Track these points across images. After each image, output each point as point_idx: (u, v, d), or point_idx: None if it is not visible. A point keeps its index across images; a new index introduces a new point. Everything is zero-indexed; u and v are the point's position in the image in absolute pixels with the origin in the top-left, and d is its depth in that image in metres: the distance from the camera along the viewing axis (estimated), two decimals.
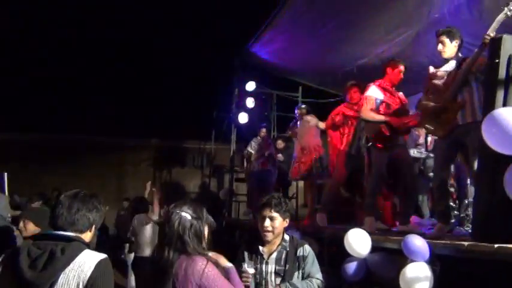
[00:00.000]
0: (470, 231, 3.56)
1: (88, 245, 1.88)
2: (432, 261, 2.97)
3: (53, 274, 1.71)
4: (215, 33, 12.54)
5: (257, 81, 8.73)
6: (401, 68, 4.55)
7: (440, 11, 5.18)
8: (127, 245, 7.09)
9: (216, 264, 2.11)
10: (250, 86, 8.66)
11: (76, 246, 1.80)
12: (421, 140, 5.72)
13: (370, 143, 4.50)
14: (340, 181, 5.48)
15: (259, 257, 2.75)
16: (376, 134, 4.37)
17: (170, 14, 13.15)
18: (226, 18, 11.94)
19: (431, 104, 3.69)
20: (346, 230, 3.60)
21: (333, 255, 4.17)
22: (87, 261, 1.77)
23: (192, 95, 12.82)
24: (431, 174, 5.06)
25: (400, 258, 3.11)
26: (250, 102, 8.72)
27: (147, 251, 5.44)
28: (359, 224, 4.26)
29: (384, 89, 4.51)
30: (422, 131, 5.42)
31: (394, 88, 4.60)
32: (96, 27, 12.55)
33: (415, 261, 2.96)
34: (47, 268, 1.70)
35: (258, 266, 2.72)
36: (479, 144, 2.90)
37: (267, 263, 2.73)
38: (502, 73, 2.92)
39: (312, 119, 6.33)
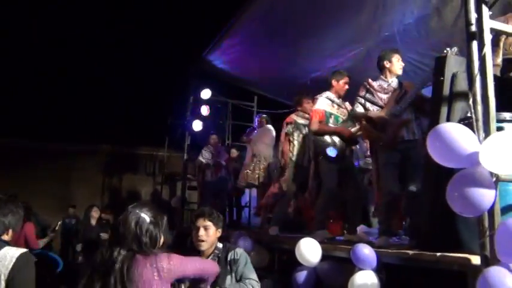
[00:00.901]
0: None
1: (8, 243, 1.91)
2: (379, 270, 3.07)
3: None
4: (171, 40, 12.41)
5: (213, 89, 8.71)
6: (346, 79, 4.68)
7: (390, 29, 5.42)
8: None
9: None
10: (206, 94, 8.62)
11: None
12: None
13: (321, 156, 4.54)
14: (290, 195, 5.48)
15: None
16: (326, 145, 4.46)
17: (125, 16, 12.89)
18: (182, 24, 11.86)
19: (380, 115, 3.82)
20: (297, 239, 3.65)
21: (283, 263, 4.21)
22: (8, 255, 1.81)
23: (146, 101, 12.58)
24: None
25: (349, 266, 3.19)
26: (205, 110, 8.68)
27: None
28: (309, 233, 4.31)
29: (331, 101, 4.63)
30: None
31: (341, 99, 4.73)
32: (48, 27, 12.09)
33: (362, 269, 3.04)
34: None
35: None
36: (423, 158, 3.05)
37: None
38: (446, 90, 3.08)
39: (272, 129, 6.40)
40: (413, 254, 2.86)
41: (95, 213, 7.46)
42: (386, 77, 3.98)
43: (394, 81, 3.97)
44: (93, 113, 12.55)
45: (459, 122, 2.70)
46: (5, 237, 1.96)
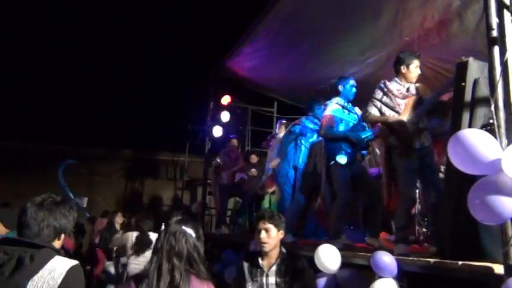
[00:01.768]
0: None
1: (59, 252, 1.80)
2: (399, 278, 3.03)
3: (21, 282, 1.63)
4: (192, 46, 12.58)
5: (232, 95, 8.78)
6: (352, 82, 4.66)
7: (410, 35, 5.37)
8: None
9: None
10: (226, 99, 8.70)
11: (46, 253, 1.72)
12: None
13: (332, 162, 4.50)
14: (302, 204, 5.37)
15: (259, 270, 2.88)
16: (337, 151, 4.43)
17: (147, 24, 13.13)
18: (203, 31, 12.01)
19: (401, 120, 3.77)
20: (315, 246, 3.63)
21: None
22: (58, 267, 1.70)
23: (167, 107, 12.77)
24: None
25: (369, 274, 3.16)
26: (225, 116, 8.74)
27: None
28: (327, 240, 4.27)
29: (342, 106, 4.60)
30: None
31: (350, 104, 4.71)
32: (66, 28, 12.36)
33: (383, 277, 3.01)
34: (14, 276, 1.63)
35: (259, 279, 2.84)
36: (446, 164, 3.02)
37: (267, 276, 2.85)
38: (467, 96, 3.04)
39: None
40: (435, 262, 2.82)
41: (119, 219, 7.60)
42: (401, 81, 3.88)
43: (411, 87, 3.89)
44: (115, 119, 12.80)
45: (481, 128, 2.66)
46: (57, 243, 1.85)
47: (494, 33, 2.45)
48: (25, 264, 1.64)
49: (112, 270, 6.11)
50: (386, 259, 2.99)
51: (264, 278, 2.84)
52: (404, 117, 3.75)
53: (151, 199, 12.28)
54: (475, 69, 3.08)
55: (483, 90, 2.93)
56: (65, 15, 12.45)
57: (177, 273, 1.90)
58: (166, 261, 1.93)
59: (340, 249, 3.63)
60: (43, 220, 1.79)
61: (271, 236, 2.85)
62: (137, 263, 4.57)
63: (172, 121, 12.03)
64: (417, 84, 3.95)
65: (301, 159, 5.32)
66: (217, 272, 5.60)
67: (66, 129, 12.01)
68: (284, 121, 6.97)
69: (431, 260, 2.87)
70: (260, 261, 2.89)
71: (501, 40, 2.41)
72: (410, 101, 3.82)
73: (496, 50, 2.43)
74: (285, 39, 6.29)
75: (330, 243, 3.75)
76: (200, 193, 10.20)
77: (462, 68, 3.14)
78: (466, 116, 2.99)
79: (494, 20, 2.45)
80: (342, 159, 4.33)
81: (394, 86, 3.89)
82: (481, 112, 2.96)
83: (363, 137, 4.47)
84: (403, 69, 3.86)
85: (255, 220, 6.94)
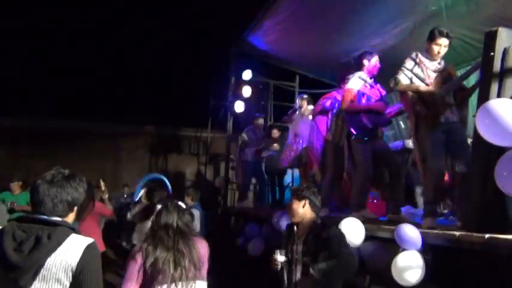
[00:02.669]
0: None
1: (74, 229, 1.84)
2: (424, 251, 3.03)
3: (39, 259, 1.69)
4: (212, 22, 12.48)
5: (254, 70, 8.73)
6: (377, 57, 4.58)
7: (437, 3, 5.19)
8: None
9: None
10: (247, 74, 8.65)
11: (62, 231, 1.77)
12: None
13: (353, 137, 4.47)
14: (334, 176, 5.31)
15: (291, 238, 3.10)
16: (358, 126, 4.39)
17: (167, 1, 13.07)
18: (223, 6, 11.87)
19: (432, 91, 3.70)
20: (339, 219, 3.65)
21: None
22: (75, 246, 1.75)
23: (189, 83, 12.80)
24: None
25: (393, 247, 3.17)
26: (246, 91, 8.71)
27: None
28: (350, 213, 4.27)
29: (364, 81, 4.52)
30: None
31: (373, 79, 4.62)
32: (91, 9, 12.44)
33: (407, 250, 3.01)
34: (33, 253, 1.67)
35: (290, 246, 3.06)
36: (473, 136, 2.96)
37: (297, 244, 3.02)
38: (496, 66, 2.95)
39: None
40: (461, 236, 2.80)
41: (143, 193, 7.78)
42: (432, 56, 3.82)
43: (443, 62, 3.84)
44: (139, 96, 12.93)
45: (511, 98, 2.59)
46: (71, 216, 1.91)
47: None
48: (43, 243, 1.69)
49: None
50: (410, 232, 2.99)
51: (295, 246, 3.02)
52: (435, 89, 3.69)
53: (174, 174, 12.44)
54: (505, 38, 2.99)
55: None
56: None
57: (169, 239, 2.44)
58: (161, 229, 2.49)
59: (362, 222, 3.64)
60: (56, 196, 1.83)
61: (294, 208, 3.09)
62: (140, 229, 5.13)
63: (195, 97, 12.07)
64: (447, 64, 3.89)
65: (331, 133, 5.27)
66: (241, 245, 5.70)
67: (91, 107, 12.19)
68: (305, 96, 6.90)
69: (457, 233, 2.85)
70: (295, 230, 3.09)
71: None
72: (440, 75, 3.74)
73: None
74: (306, 12, 6.18)
75: (352, 216, 3.76)
76: (223, 168, 10.28)
77: (491, 37, 3.04)
78: (494, 87, 2.92)
79: None
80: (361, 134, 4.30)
81: (426, 58, 3.83)
82: (510, 82, 2.89)
83: (386, 111, 4.41)
84: (432, 45, 3.78)
85: (278, 194, 7.00)
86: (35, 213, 1.83)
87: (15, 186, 6.42)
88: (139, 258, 2.35)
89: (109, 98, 12.43)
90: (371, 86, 4.57)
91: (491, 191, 2.50)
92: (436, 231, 3.15)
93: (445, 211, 4.74)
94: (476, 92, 3.31)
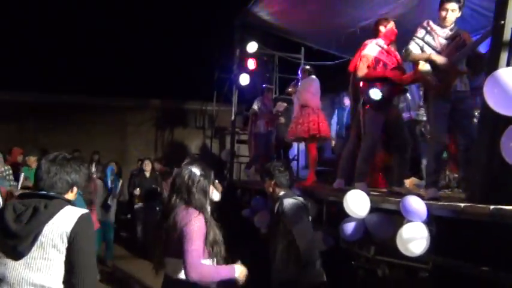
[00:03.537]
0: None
1: (69, 202, 2.01)
2: (429, 222, 3.03)
3: (37, 226, 1.85)
4: None
5: (259, 42, 8.59)
6: (393, 23, 4.48)
7: None
8: None
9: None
10: (252, 47, 8.51)
11: (58, 202, 1.94)
12: None
13: (367, 105, 4.39)
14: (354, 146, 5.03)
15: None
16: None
17: None
18: None
19: (444, 60, 3.64)
20: (345, 192, 3.65)
21: (332, 215, 4.25)
22: (69, 215, 1.91)
23: (193, 56, 12.68)
24: None
25: (398, 218, 3.17)
26: (251, 64, 8.61)
27: None
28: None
29: (381, 48, 4.43)
30: None
31: (390, 46, 4.52)
32: None
33: (411, 221, 3.01)
34: (31, 221, 1.84)
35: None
36: (481, 106, 2.91)
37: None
38: (507, 34, 2.88)
39: (316, 79, 6.23)
40: (465, 207, 2.79)
41: (147, 166, 7.91)
42: (444, 23, 3.74)
43: (454, 29, 3.75)
44: (143, 69, 12.86)
45: None
46: (70, 195, 2.07)
47: None
48: (40, 212, 1.87)
49: None
50: (415, 203, 2.98)
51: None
52: (447, 57, 3.62)
53: (181, 147, 12.48)
54: None
55: None
56: None
57: (173, 201, 2.45)
58: (173, 192, 2.50)
59: (369, 195, 3.64)
60: (56, 174, 2.00)
61: (265, 186, 3.57)
62: None
63: (200, 70, 11.97)
64: (462, 31, 3.79)
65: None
66: (247, 217, 5.75)
67: (96, 81, 12.15)
68: (307, 66, 6.81)
69: (462, 205, 2.84)
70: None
71: None
72: (453, 42, 3.66)
73: None
74: None
75: (353, 187, 3.77)
76: (229, 141, 10.29)
77: (502, 4, 2.96)
78: (504, 56, 2.86)
79: None
80: (375, 94, 4.21)
81: (438, 26, 3.76)
82: None
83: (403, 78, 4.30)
84: (440, 10, 3.70)
85: None
86: (35, 190, 2.00)
87: (31, 160, 6.46)
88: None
89: (114, 73, 12.36)
90: (388, 53, 4.47)
91: (497, 161, 2.48)
92: (440, 203, 3.15)
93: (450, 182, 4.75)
94: None
